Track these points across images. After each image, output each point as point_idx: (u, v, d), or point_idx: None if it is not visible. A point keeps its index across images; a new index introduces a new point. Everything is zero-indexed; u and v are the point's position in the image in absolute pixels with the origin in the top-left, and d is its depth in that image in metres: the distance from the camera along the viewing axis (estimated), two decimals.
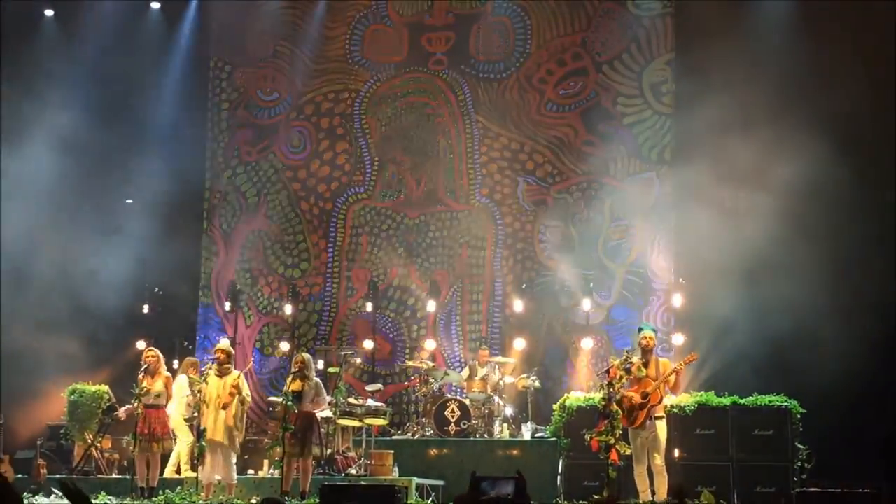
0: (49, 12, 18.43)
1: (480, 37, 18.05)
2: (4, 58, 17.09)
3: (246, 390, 12.73)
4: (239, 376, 12.65)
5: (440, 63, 18.14)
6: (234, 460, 12.65)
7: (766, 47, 16.01)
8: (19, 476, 14.06)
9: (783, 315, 14.57)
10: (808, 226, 14.73)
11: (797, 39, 15.74)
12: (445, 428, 14.49)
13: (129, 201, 17.56)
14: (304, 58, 18.58)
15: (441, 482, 13.66)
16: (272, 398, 15.66)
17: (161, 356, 12.94)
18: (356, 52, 18.48)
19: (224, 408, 12.42)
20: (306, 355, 12.80)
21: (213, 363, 12.77)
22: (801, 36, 15.77)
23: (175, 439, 13.64)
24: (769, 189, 15.22)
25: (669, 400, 12.55)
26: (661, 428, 11.84)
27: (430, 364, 15.57)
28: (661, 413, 11.92)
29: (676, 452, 12.91)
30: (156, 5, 18.62)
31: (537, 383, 15.01)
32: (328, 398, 13.72)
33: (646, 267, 16.91)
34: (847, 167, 14.69)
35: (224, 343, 13.55)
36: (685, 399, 13.29)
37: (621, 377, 11.64)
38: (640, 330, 12.36)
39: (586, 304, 16.17)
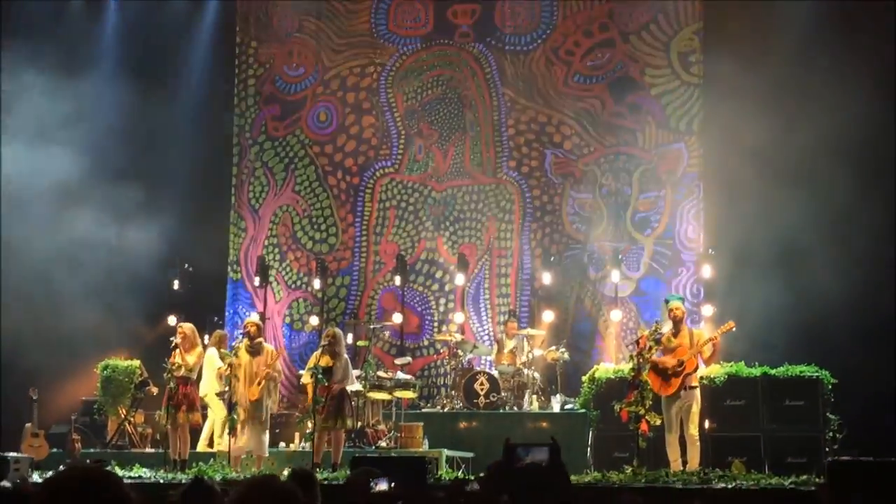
0: None
1: (506, 9, 17.96)
2: (33, 37, 17.16)
3: (278, 367, 12.78)
4: (271, 354, 12.68)
5: (466, 36, 18.05)
6: (266, 434, 12.73)
7: (795, 15, 15.83)
8: (54, 450, 14.26)
9: (813, 284, 14.47)
10: (838, 195, 14.59)
11: (828, 7, 15.57)
12: (475, 401, 14.53)
13: (158, 177, 17.60)
14: (330, 32, 18.56)
15: (471, 454, 13.71)
16: (302, 372, 15.74)
17: (194, 329, 13.02)
18: (382, 26, 18.43)
19: (259, 385, 12.46)
20: (337, 330, 12.85)
21: (243, 337, 12.84)
22: (832, 3, 15.59)
23: (208, 411, 13.75)
24: (798, 159, 15.09)
25: (700, 371, 12.52)
26: (696, 398, 11.83)
27: (459, 337, 15.60)
28: (695, 383, 11.90)
29: (707, 423, 12.89)
30: None
31: (566, 355, 15.00)
32: (357, 371, 13.80)
33: (674, 238, 16.85)
34: (882, 136, 14.52)
35: (254, 317, 13.60)
36: (715, 370, 13.25)
37: (651, 347, 11.61)
38: (667, 301, 12.30)
39: (615, 276, 16.13)
